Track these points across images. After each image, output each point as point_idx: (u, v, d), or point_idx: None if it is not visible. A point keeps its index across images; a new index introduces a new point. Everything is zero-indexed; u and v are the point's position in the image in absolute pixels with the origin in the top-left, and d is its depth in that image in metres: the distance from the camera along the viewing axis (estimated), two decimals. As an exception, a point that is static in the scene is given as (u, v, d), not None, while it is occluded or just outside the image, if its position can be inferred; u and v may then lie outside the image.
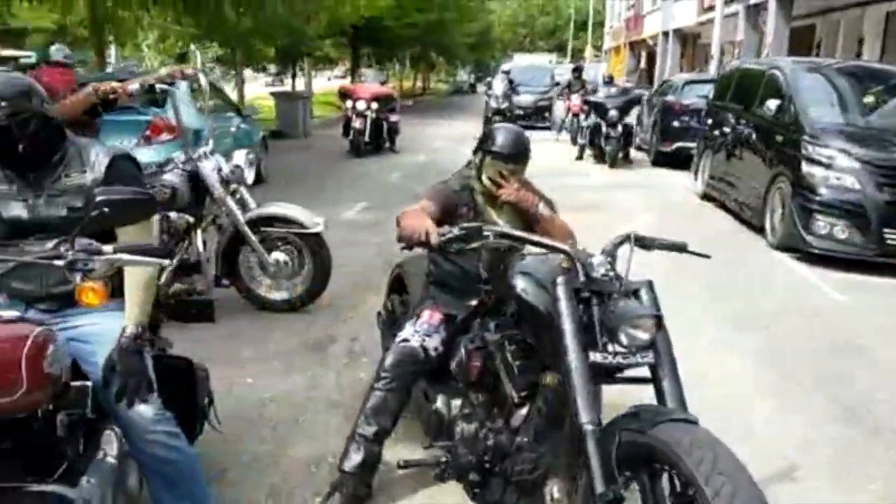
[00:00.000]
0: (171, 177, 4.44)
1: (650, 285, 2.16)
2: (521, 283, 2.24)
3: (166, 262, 1.95)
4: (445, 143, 15.75)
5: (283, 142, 15.07)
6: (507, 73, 18.43)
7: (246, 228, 4.47)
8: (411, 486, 2.81)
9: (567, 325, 2.00)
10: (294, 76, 26.26)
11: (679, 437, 1.71)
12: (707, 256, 2.50)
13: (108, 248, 1.76)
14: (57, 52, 4.25)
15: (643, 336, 1.97)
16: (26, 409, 1.79)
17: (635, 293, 2.11)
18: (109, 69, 4.54)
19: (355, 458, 2.66)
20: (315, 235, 4.58)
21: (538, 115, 19.62)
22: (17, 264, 2.11)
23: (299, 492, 2.79)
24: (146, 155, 6.62)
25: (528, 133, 3.00)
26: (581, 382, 1.95)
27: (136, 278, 2.21)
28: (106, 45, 16.47)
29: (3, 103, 2.10)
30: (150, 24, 19.50)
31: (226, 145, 8.34)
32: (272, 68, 28.94)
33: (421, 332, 2.74)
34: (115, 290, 2.32)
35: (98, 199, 1.79)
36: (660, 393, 2.01)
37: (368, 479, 2.71)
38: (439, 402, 2.74)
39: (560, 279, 2.07)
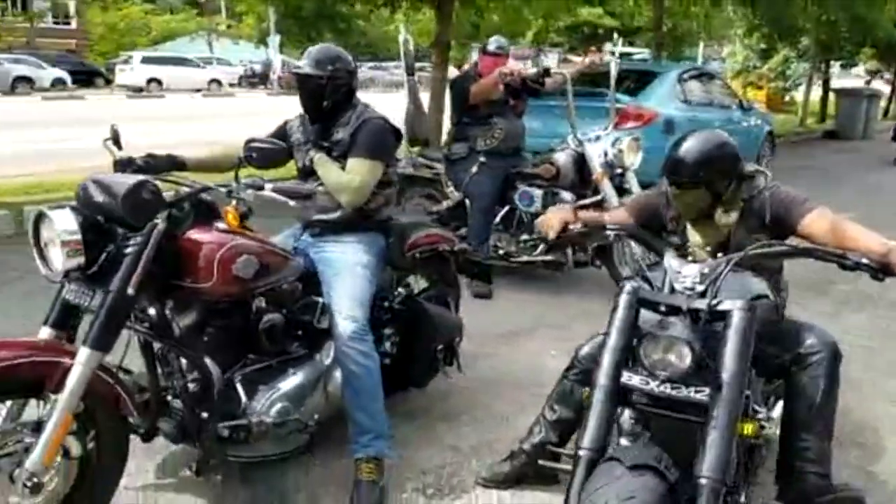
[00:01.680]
0: (561, 156, 4.81)
1: (749, 310, 1.73)
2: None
3: (292, 203, 2.32)
4: None
5: (830, 143, 13.79)
6: None
7: (617, 212, 4.54)
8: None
9: (611, 338, 1.76)
10: (896, 72, 23.30)
11: (594, 482, 1.43)
12: (880, 279, 1.83)
13: (268, 185, 2.28)
14: (492, 42, 4.93)
15: (673, 361, 1.65)
16: (219, 295, 2.42)
17: (723, 315, 1.71)
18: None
19: (534, 437, 2.68)
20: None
21: None
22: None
23: (496, 449, 2.91)
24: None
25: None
26: (598, 401, 1.73)
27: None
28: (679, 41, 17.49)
29: (329, 66, 2.78)
30: (739, 21, 19.80)
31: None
32: (869, 64, 26.08)
33: None
34: (361, 227, 2.85)
35: (248, 145, 2.33)
36: (702, 436, 1.63)
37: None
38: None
39: (628, 286, 1.82)
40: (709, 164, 2.30)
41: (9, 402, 2.18)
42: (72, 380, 2.10)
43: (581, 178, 4.77)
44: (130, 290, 2.18)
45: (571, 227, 2.24)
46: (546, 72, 4.67)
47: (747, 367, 1.71)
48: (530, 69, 4.71)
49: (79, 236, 2.14)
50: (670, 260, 1.91)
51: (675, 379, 1.70)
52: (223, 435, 2.42)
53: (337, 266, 2.76)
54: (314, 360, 2.78)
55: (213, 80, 27.72)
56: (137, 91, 24.59)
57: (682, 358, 1.67)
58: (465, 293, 3.72)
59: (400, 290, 3.21)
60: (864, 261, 1.87)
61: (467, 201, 4.95)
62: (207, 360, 2.39)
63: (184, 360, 2.45)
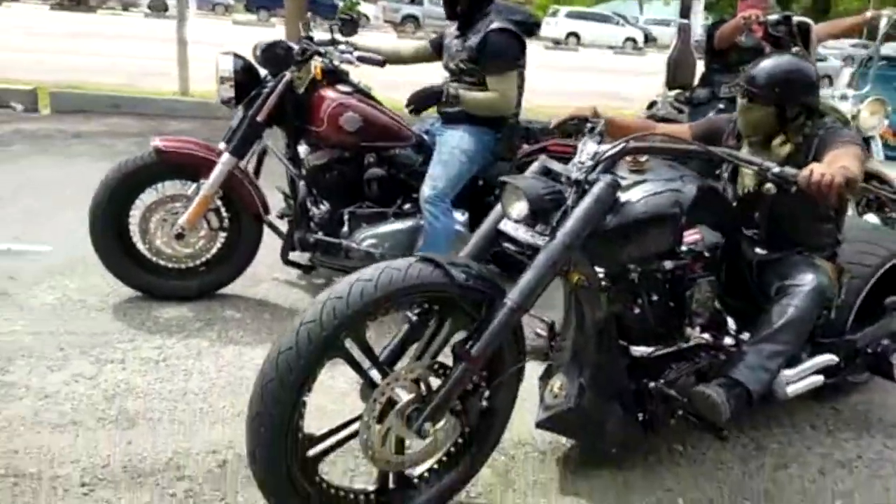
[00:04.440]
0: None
1: (611, 185, 1.93)
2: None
3: (357, 64, 2.99)
4: None
5: None
6: None
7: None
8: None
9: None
10: None
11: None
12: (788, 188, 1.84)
13: (355, 53, 3.06)
14: (752, -14, 4.73)
15: (515, 205, 1.91)
16: (331, 142, 3.19)
17: (588, 185, 1.94)
18: None
19: None
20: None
21: None
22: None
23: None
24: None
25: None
26: (475, 237, 2.08)
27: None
28: None
29: None
30: None
31: None
32: None
33: None
34: (474, 120, 3.35)
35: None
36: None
37: None
38: None
39: (542, 157, 2.12)
40: (786, 83, 2.33)
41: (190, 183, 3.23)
42: (214, 173, 3.08)
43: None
44: (259, 118, 3.09)
45: (574, 121, 2.45)
46: (787, 19, 4.36)
47: (584, 229, 1.86)
48: (772, 15, 4.44)
49: (231, 75, 3.07)
50: (585, 139, 2.09)
51: (534, 227, 1.93)
52: (311, 242, 3.23)
53: (443, 147, 3.32)
54: (416, 218, 3.37)
55: (628, 39, 28.26)
56: (556, 43, 26.13)
57: (523, 206, 1.89)
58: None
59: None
60: (776, 170, 1.87)
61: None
62: (322, 194, 3.26)
63: (304, 189, 3.30)
